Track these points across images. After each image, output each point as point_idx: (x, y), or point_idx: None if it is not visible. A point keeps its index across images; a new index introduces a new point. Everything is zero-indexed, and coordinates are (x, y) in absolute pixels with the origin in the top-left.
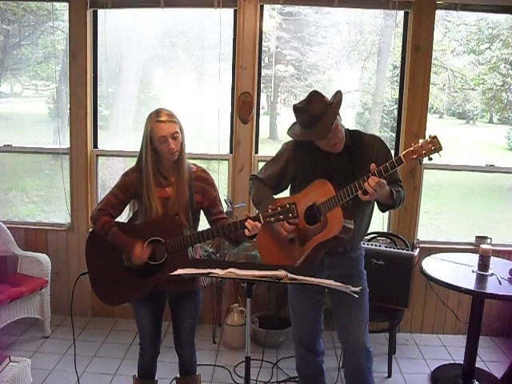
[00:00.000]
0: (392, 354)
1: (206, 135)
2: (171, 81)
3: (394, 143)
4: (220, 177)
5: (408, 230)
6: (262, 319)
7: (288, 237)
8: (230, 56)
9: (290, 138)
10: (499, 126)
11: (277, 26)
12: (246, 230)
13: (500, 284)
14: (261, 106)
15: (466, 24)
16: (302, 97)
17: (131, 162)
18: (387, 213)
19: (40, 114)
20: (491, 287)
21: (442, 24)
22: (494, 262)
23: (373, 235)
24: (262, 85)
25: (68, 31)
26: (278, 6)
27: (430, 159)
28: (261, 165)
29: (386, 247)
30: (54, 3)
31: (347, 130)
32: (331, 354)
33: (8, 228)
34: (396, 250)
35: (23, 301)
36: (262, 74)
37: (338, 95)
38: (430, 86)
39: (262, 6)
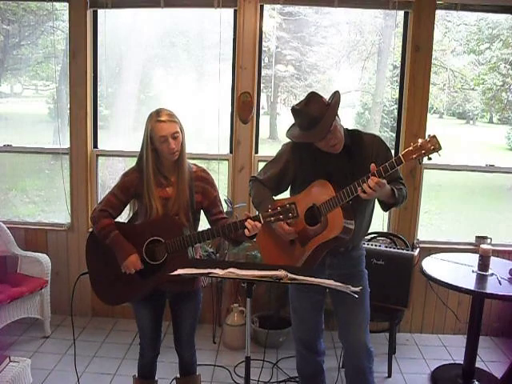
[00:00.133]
0: (392, 354)
1: (206, 135)
2: (171, 81)
3: (394, 143)
4: (220, 177)
5: (408, 230)
6: (261, 319)
7: (288, 238)
8: (230, 56)
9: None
10: (499, 125)
11: (277, 26)
12: (245, 230)
13: (500, 284)
14: (261, 106)
15: (466, 24)
16: (302, 97)
17: (131, 162)
18: (387, 213)
19: (40, 113)
20: (491, 287)
21: (442, 24)
22: (494, 261)
23: (373, 235)
24: (262, 85)
25: (68, 31)
26: (278, 6)
27: (430, 159)
28: (261, 165)
29: (386, 247)
30: (54, 3)
31: (346, 129)
32: (331, 354)
33: (8, 228)
34: (396, 250)
35: (23, 301)
36: (262, 74)
37: (336, 96)
38: (430, 85)
39: (261, 6)
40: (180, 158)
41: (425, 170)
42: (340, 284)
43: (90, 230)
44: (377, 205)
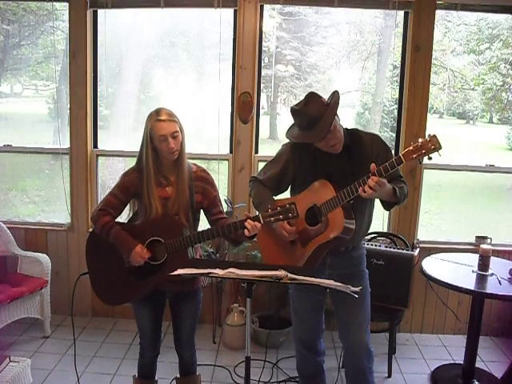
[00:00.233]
0: (392, 354)
1: (206, 135)
2: (171, 81)
3: (394, 143)
4: (220, 177)
5: (408, 229)
6: (262, 319)
7: (289, 238)
8: (230, 56)
9: None
10: (499, 125)
11: (277, 26)
12: (245, 231)
13: (500, 284)
14: (261, 106)
15: (466, 24)
16: (302, 97)
17: (131, 162)
18: (387, 213)
19: (40, 113)
20: (491, 287)
21: (442, 24)
22: (494, 262)
23: (373, 235)
24: (262, 85)
25: (68, 31)
26: (278, 6)
27: (430, 158)
28: (261, 165)
29: (386, 247)
30: (54, 3)
31: (345, 129)
32: (331, 354)
33: (8, 228)
34: (396, 250)
35: (23, 301)
36: (262, 74)
37: (336, 95)
38: (430, 85)
39: (262, 6)
40: (180, 158)
41: (425, 170)
42: (340, 284)
43: (90, 230)
44: (377, 204)
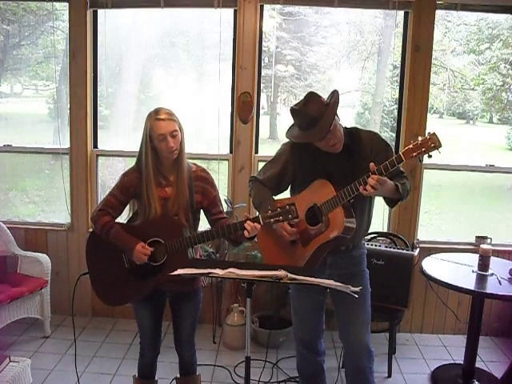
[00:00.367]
0: (392, 354)
1: (206, 135)
2: (171, 81)
3: (394, 143)
4: (220, 177)
5: (408, 229)
6: (261, 319)
7: (290, 239)
8: (230, 56)
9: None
10: (499, 125)
11: (277, 26)
12: (245, 232)
13: (500, 284)
14: (261, 106)
15: (466, 24)
16: (302, 97)
17: (131, 162)
18: (387, 213)
19: (40, 113)
20: (491, 287)
21: (442, 24)
22: (494, 262)
23: (373, 235)
24: (262, 85)
25: (68, 31)
26: (278, 6)
27: (430, 156)
28: (261, 165)
29: (386, 247)
30: (54, 3)
31: (345, 128)
32: (331, 354)
33: (8, 228)
34: (396, 250)
35: (23, 301)
36: (262, 74)
37: (335, 95)
38: (430, 85)
39: (262, 6)
40: (179, 158)
41: (425, 170)
42: (340, 284)
43: (90, 230)
44: (376, 204)
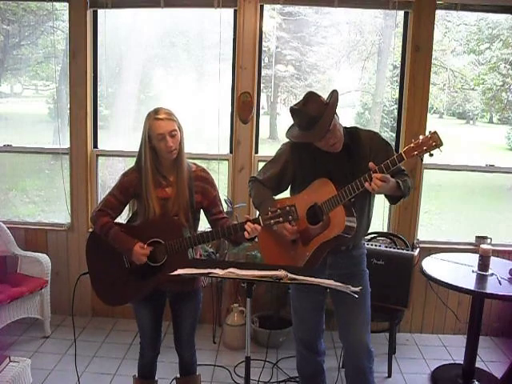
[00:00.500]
0: (392, 354)
1: (206, 135)
2: (171, 81)
3: (394, 143)
4: (220, 177)
5: (408, 229)
6: (261, 319)
7: (291, 238)
8: (230, 56)
9: None
10: (499, 125)
11: (277, 26)
12: (245, 233)
13: (500, 284)
14: (261, 106)
15: (466, 24)
16: (302, 97)
17: (131, 162)
18: (387, 213)
19: (40, 113)
20: (491, 287)
21: (442, 24)
22: (494, 262)
23: (373, 235)
24: (262, 85)
25: (68, 31)
26: (278, 6)
27: (431, 155)
28: (261, 165)
29: (386, 247)
30: (54, 3)
31: (345, 128)
32: (331, 354)
33: (8, 228)
34: (396, 250)
35: (23, 301)
36: (262, 74)
37: (334, 95)
38: (430, 85)
39: (262, 6)
40: (179, 157)
41: (425, 170)
42: (340, 284)
43: (90, 230)
44: (376, 204)
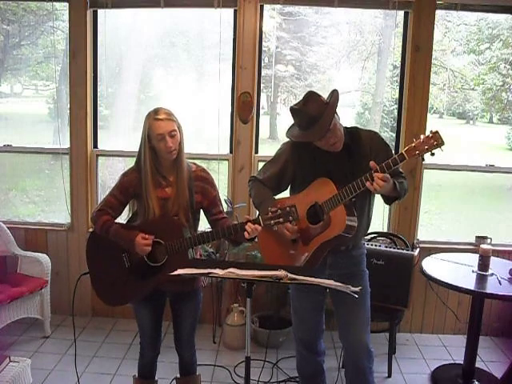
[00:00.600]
0: (392, 354)
1: (206, 135)
2: (171, 81)
3: (394, 143)
4: (220, 177)
5: (408, 229)
6: (261, 319)
7: (291, 237)
8: (230, 56)
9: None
10: (499, 125)
11: (277, 26)
12: (245, 233)
13: (500, 284)
14: (261, 106)
15: (466, 24)
16: (302, 97)
17: (131, 162)
18: (387, 213)
19: (40, 113)
20: (491, 287)
21: (442, 24)
22: (494, 262)
23: (373, 235)
24: (262, 85)
25: (68, 31)
26: (278, 6)
27: (433, 155)
28: (261, 165)
29: (386, 247)
30: (54, 3)
31: (345, 128)
32: (331, 354)
33: (8, 228)
34: (396, 250)
35: (23, 301)
36: (262, 74)
37: (335, 94)
38: (430, 85)
39: (262, 6)
40: (178, 158)
41: (425, 170)
42: (340, 284)
43: (90, 230)
44: (376, 205)
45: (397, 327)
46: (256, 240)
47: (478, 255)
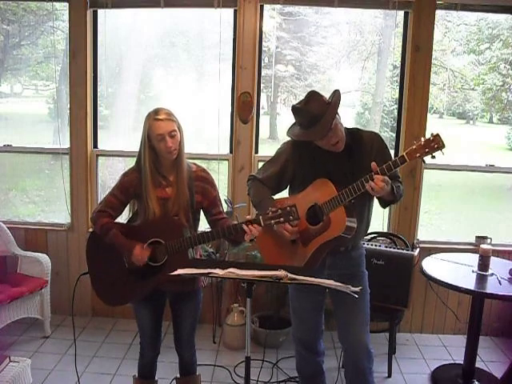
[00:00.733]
0: (392, 353)
1: (206, 135)
2: (171, 81)
3: (393, 143)
4: (220, 177)
5: (408, 229)
6: (261, 319)
7: (291, 238)
8: (230, 56)
9: (289, 138)
10: (499, 125)
11: (277, 26)
12: (246, 236)
13: (500, 284)
14: (261, 106)
15: (466, 24)
16: (302, 97)
17: (131, 162)
18: (387, 213)
19: (40, 113)
20: (491, 287)
21: (442, 24)
22: (494, 262)
23: (373, 235)
24: (262, 85)
25: (68, 31)
26: (278, 6)
27: (433, 157)
28: (261, 165)
29: (386, 247)
30: (54, 3)
31: (346, 128)
32: (331, 354)
33: (8, 228)
34: (396, 250)
35: (23, 301)
36: (262, 74)
37: (337, 94)
38: (430, 85)
39: (262, 6)
40: (179, 158)
41: (425, 170)
42: (340, 284)
43: (91, 230)
44: (376, 205)
45: (397, 327)
46: (255, 240)
47: (477, 255)
